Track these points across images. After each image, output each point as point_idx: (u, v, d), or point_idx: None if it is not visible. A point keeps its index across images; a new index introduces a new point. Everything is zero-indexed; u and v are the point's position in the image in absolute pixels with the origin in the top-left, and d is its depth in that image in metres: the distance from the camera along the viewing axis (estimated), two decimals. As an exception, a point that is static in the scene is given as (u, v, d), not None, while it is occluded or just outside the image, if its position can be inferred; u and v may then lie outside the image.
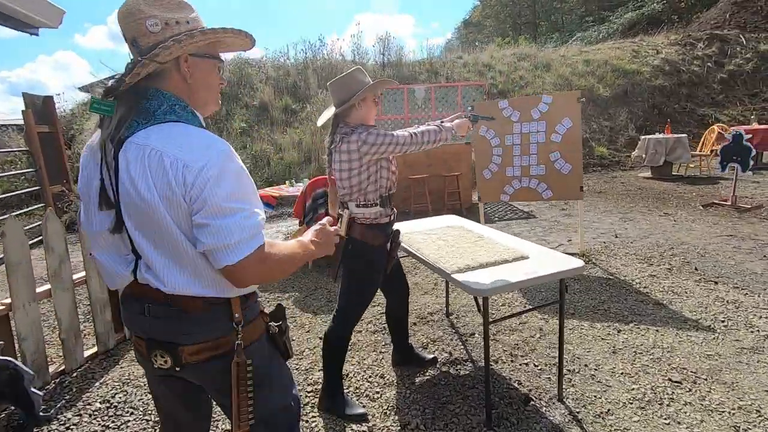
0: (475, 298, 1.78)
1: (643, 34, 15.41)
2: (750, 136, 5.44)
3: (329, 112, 2.01)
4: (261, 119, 9.15)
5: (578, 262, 1.85)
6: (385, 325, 2.89)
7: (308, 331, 2.97)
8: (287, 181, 4.84)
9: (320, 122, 2.06)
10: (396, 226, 2.04)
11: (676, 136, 7.79)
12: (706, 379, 2.15)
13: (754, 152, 5.06)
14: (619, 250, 4.18)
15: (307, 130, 8.79)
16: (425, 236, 2.39)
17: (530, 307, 2.98)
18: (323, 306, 3.36)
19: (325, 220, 1.24)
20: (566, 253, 2.10)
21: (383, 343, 2.72)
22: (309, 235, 1.14)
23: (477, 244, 2.17)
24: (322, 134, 8.47)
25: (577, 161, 3.94)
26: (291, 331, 2.97)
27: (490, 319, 1.87)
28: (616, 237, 4.61)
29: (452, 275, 1.82)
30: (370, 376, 2.38)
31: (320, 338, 2.84)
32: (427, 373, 2.37)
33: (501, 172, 4.21)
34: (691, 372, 2.21)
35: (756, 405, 1.95)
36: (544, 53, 13.44)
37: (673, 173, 8.05)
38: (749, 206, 5.30)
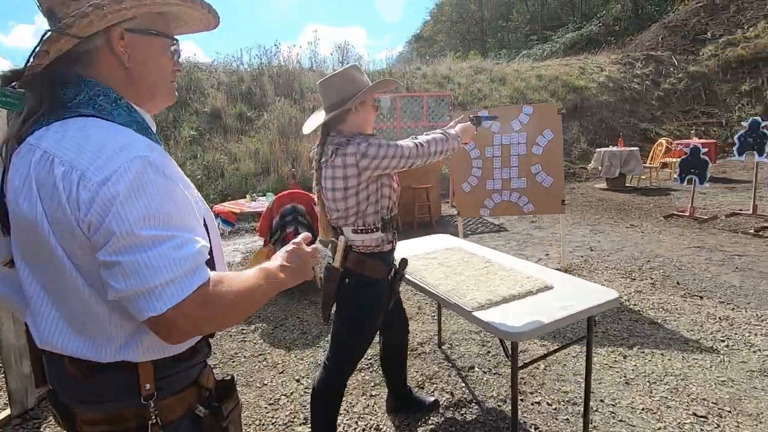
0: (501, 341, 1.47)
1: (587, 53, 16.31)
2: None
3: (318, 118, 1.66)
4: (213, 127, 8.51)
5: (612, 293, 1.62)
6: (372, 361, 2.54)
7: (282, 372, 2.55)
8: (248, 195, 4.37)
9: (307, 129, 1.69)
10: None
11: (629, 149, 8.11)
12: (730, 411, 1.99)
13: (710, 165, 5.27)
14: (598, 264, 4.11)
15: (264, 138, 8.27)
16: (425, 262, 2.08)
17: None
18: (297, 339, 2.95)
19: (300, 237, 0.94)
20: (550, 268, 1.89)
21: (373, 384, 2.36)
22: (278, 259, 0.88)
23: (489, 271, 1.89)
24: (282, 143, 8.00)
25: (559, 174, 3.83)
26: (261, 373, 2.55)
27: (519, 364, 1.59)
28: (592, 250, 4.57)
29: (473, 313, 1.52)
30: (363, 429, 2.02)
31: (297, 380, 2.45)
32: (430, 420, 2.04)
33: (481, 185, 4.01)
34: (713, 403, 2.05)
35: (789, 440, 1.81)
36: (499, 67, 13.79)
37: (627, 184, 8.36)
38: (706, 217, 5.51)
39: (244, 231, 6.14)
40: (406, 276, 1.91)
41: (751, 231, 4.88)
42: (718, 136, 12.00)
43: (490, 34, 36.43)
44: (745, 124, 5.31)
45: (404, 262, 1.67)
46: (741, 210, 5.70)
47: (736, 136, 5.40)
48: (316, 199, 3.57)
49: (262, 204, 4.06)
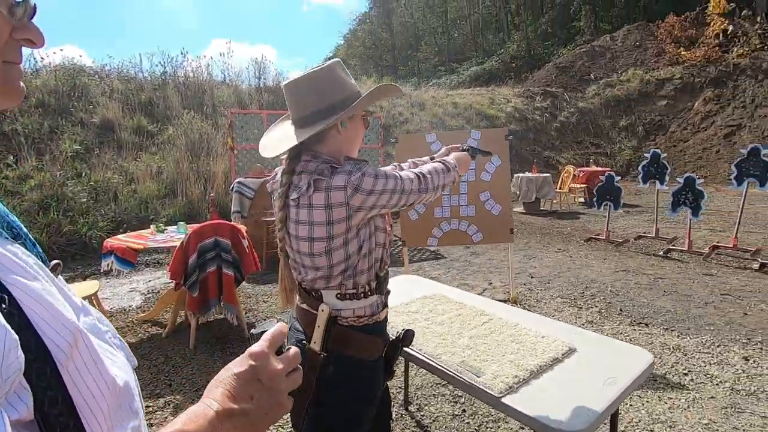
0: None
1: (495, 85, 17.59)
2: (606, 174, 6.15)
3: (285, 134, 1.15)
4: (104, 141, 7.23)
5: (646, 355, 1.37)
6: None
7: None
8: (153, 225, 3.56)
9: (270, 151, 1.15)
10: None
11: (543, 175, 8.63)
12: (729, 463, 1.87)
13: (623, 192, 5.69)
14: (542, 293, 4.06)
15: (169, 156, 7.22)
16: (407, 318, 1.67)
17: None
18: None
19: (271, 332, 0.53)
20: (495, 299, 1.63)
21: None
22: (217, 393, 0.48)
23: (493, 329, 1.54)
24: (191, 162, 7.04)
25: (507, 201, 3.72)
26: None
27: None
28: (532, 278, 4.54)
29: (503, 400, 1.14)
30: None
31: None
32: None
33: (429, 213, 3.74)
34: (710, 454, 1.92)
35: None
36: (417, 93, 14.17)
37: (541, 208, 8.87)
38: (620, 240, 5.91)
39: (144, 265, 5.14)
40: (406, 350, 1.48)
41: (661, 253, 5.30)
42: (605, 164, 13.54)
43: (401, 62, 38.09)
44: (647, 155, 5.85)
45: (410, 334, 1.23)
46: (645, 233, 6.24)
47: (640, 166, 5.91)
48: (244, 232, 2.95)
49: (172, 237, 3.31)
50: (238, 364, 0.49)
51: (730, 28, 15.05)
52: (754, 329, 3.16)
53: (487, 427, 2.14)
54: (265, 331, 0.55)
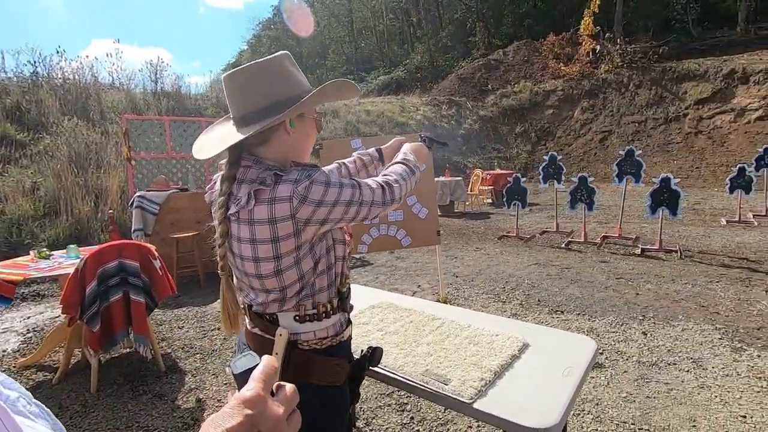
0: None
1: (404, 93, 18.23)
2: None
3: (223, 134, 1.00)
4: (-46, 153, 5.98)
5: (590, 342, 1.45)
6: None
7: None
8: (33, 251, 2.98)
9: (204, 153, 0.99)
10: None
11: (455, 179, 9.10)
12: (648, 429, 2.07)
13: (528, 192, 6.20)
14: (468, 291, 4.23)
15: (47, 169, 6.20)
16: (360, 331, 1.58)
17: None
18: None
19: (261, 371, 0.44)
20: (429, 300, 1.70)
21: None
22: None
23: (448, 333, 1.52)
24: (77, 176, 6.13)
25: (433, 205, 3.81)
26: None
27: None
28: (456, 277, 4.72)
29: (474, 406, 1.12)
30: None
31: None
32: None
33: (357, 220, 3.68)
34: (632, 424, 2.12)
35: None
36: (329, 100, 14.10)
37: (455, 210, 9.33)
38: (528, 236, 6.43)
39: (20, 299, 4.31)
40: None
41: (563, 246, 5.87)
42: (507, 167, 14.75)
43: (310, 70, 37.74)
44: (546, 157, 6.46)
45: (379, 352, 1.13)
46: (548, 228, 6.87)
47: (540, 168, 6.51)
48: (154, 251, 2.61)
49: (61, 263, 2.79)
50: (229, 417, 0.39)
51: (598, 47, 17.45)
52: (647, 306, 3.62)
53: (439, 419, 2.13)
54: (249, 369, 0.45)
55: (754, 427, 2.06)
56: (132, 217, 4.63)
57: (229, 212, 0.93)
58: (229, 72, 0.96)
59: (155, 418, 2.30)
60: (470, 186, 9.92)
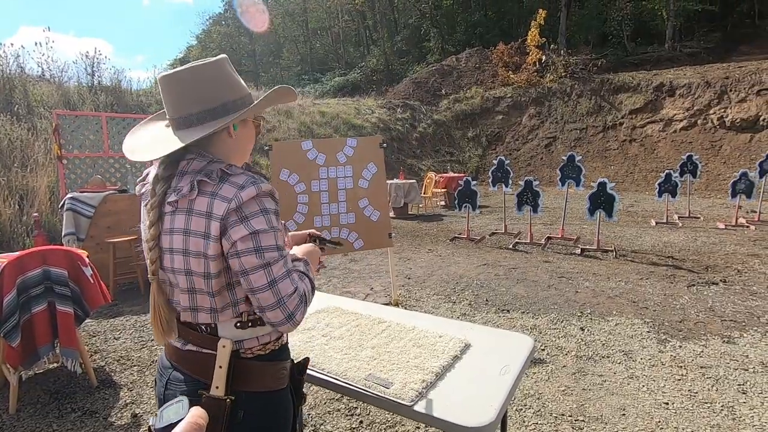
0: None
1: (359, 96, 18.24)
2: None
3: (155, 133, 0.96)
4: None
5: (527, 339, 1.51)
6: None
7: None
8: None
9: (147, 155, 0.92)
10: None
11: (409, 181, 9.21)
12: (584, 421, 2.19)
13: (479, 194, 6.40)
14: (419, 292, 4.28)
15: (-38, 168, 5.61)
16: (304, 337, 1.55)
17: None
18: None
19: (185, 424, 0.44)
20: (379, 303, 1.76)
21: None
22: None
23: (393, 335, 1.53)
24: (12, 175, 5.59)
25: (385, 207, 3.83)
26: None
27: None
28: (409, 278, 4.77)
29: (415, 408, 1.13)
30: None
31: None
32: None
33: (308, 222, 3.62)
34: (569, 416, 2.23)
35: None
36: (283, 100, 13.82)
37: (409, 212, 9.44)
38: (479, 237, 6.63)
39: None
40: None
41: (510, 246, 6.11)
42: (460, 170, 15.16)
43: (263, 69, 36.84)
44: (495, 161, 6.70)
45: (305, 361, 1.11)
46: (497, 230, 7.13)
47: (490, 171, 6.74)
48: (85, 258, 2.44)
49: (-25, 272, 2.52)
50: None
51: (543, 57, 18.37)
52: (584, 303, 3.85)
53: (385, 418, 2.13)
54: (172, 424, 0.43)
55: (675, 412, 2.23)
56: (63, 220, 4.28)
57: (168, 200, 0.88)
58: (169, 72, 0.91)
59: None
60: (424, 189, 10.09)
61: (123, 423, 2.26)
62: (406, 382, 1.22)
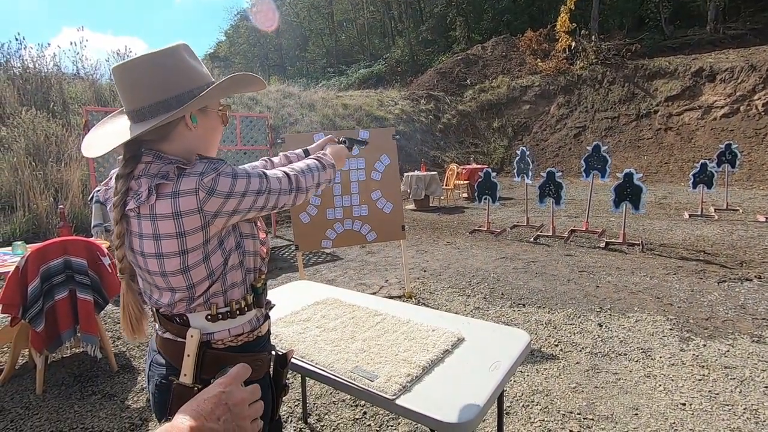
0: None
1: (383, 87, 18.15)
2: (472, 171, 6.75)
3: (116, 130, 0.95)
4: None
5: (523, 334, 1.47)
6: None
7: None
8: (-24, 248, 2.85)
9: (94, 150, 0.94)
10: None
11: (430, 173, 9.12)
12: (592, 419, 2.13)
13: (499, 186, 6.27)
14: (434, 285, 4.25)
15: (4, 162, 5.95)
16: (298, 328, 1.57)
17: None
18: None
19: (236, 369, 0.62)
20: (391, 297, 1.72)
21: None
22: (193, 406, 0.53)
23: (386, 329, 1.52)
24: (35, 169, 5.90)
25: (398, 199, 3.81)
26: None
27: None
28: (425, 271, 4.74)
29: (397, 402, 1.12)
30: None
31: None
32: None
33: (321, 215, 3.65)
34: (577, 414, 2.17)
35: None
36: (306, 93, 13.92)
37: (431, 205, 9.37)
38: (499, 230, 6.51)
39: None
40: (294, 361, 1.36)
41: (531, 239, 5.96)
42: (484, 161, 14.89)
43: (289, 62, 37.20)
44: (519, 152, 6.53)
45: (288, 353, 1.12)
46: (519, 222, 6.97)
47: (514, 162, 6.57)
48: (104, 248, 2.54)
49: (4, 260, 2.69)
50: (208, 391, 0.55)
51: (573, 44, 17.70)
52: (605, 299, 3.71)
53: (388, 426, 2.13)
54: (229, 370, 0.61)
55: (692, 414, 2.13)
56: (92, 212, 4.47)
57: (128, 208, 0.89)
58: (120, 63, 0.91)
59: (102, 419, 2.24)
60: (446, 180, 9.97)
61: (138, 407, 2.36)
62: (391, 375, 1.21)
